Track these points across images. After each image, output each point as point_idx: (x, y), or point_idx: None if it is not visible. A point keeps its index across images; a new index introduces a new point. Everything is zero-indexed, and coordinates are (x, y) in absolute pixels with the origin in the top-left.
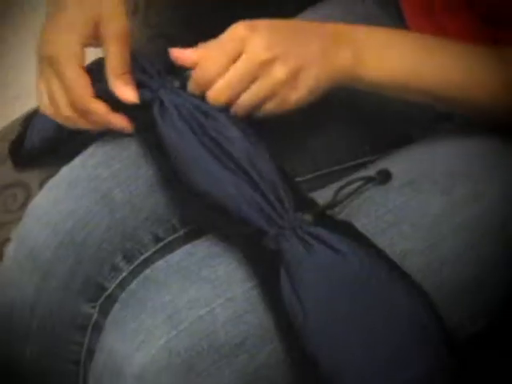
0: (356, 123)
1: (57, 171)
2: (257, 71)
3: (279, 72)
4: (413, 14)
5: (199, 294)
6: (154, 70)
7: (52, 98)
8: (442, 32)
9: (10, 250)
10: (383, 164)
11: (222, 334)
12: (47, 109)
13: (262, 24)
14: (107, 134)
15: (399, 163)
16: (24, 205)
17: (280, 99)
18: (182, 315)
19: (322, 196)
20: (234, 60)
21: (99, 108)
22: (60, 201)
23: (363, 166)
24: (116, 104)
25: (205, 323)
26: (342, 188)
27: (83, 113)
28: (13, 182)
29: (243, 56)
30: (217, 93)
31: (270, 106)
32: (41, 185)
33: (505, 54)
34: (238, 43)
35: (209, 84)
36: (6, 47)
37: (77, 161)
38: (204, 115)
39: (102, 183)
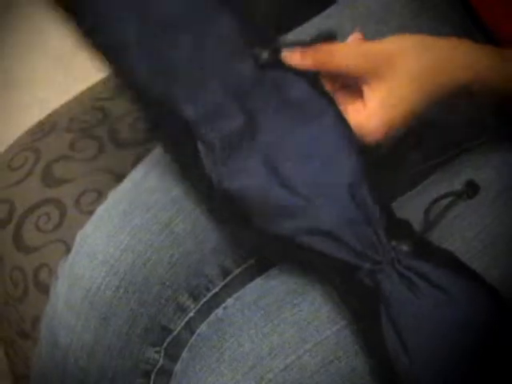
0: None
1: (93, 183)
2: None
3: None
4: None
5: (283, 340)
6: None
7: None
8: None
9: (59, 290)
10: (464, 170)
11: None
12: None
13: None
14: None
15: (482, 169)
16: (59, 225)
17: None
18: (265, 366)
19: (404, 212)
20: None
21: None
22: (115, 234)
23: (441, 165)
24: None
25: (292, 374)
26: (431, 206)
27: None
28: (44, 199)
29: None
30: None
31: None
32: (76, 202)
33: None
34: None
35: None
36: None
37: (128, 185)
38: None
39: (162, 212)
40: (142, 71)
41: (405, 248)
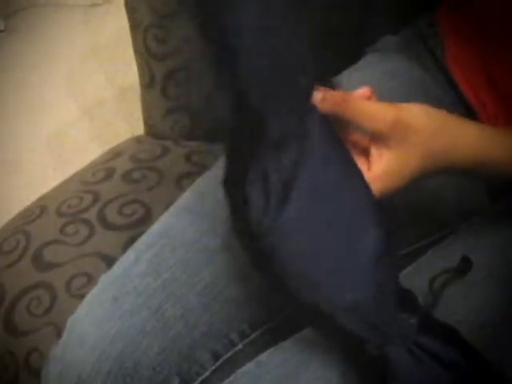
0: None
1: (84, 267)
2: None
3: None
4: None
5: None
6: None
7: None
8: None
9: (51, 374)
10: (456, 249)
11: None
12: None
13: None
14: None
15: (473, 248)
16: (50, 309)
17: None
18: None
19: None
20: None
21: None
22: (106, 320)
23: (432, 245)
24: None
25: None
26: (432, 282)
27: None
28: (35, 283)
29: None
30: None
31: None
32: (67, 285)
33: None
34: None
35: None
36: None
37: (119, 269)
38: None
39: (152, 297)
40: None
41: (412, 323)
